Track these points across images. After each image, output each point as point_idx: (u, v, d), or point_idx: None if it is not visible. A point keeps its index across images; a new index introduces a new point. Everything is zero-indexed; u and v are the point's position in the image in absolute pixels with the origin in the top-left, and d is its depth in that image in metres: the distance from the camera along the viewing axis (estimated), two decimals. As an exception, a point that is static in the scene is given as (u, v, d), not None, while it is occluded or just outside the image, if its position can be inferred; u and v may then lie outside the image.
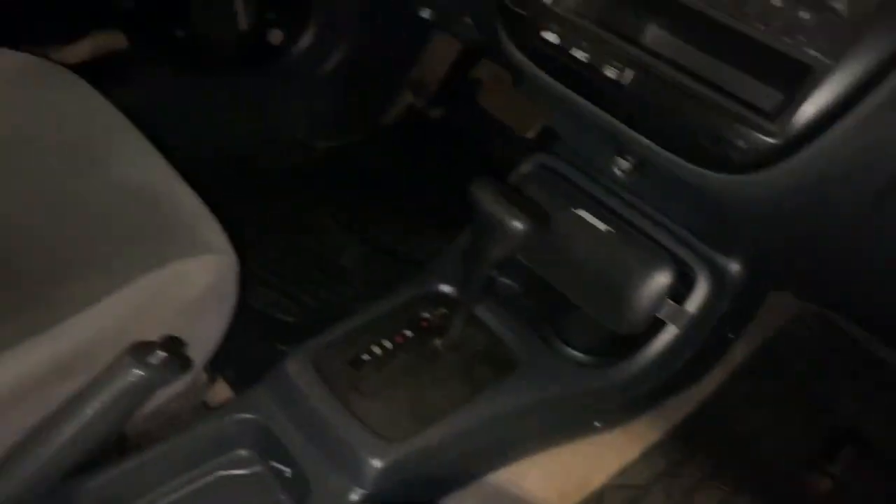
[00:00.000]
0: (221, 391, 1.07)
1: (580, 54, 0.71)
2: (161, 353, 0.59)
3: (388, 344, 0.90)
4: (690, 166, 0.69)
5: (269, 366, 1.22)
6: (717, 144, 0.65)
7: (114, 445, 0.89)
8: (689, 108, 0.66)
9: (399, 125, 1.71)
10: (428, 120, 1.70)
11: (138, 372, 0.58)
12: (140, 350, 0.59)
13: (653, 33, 0.70)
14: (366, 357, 0.89)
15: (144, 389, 0.59)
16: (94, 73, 1.10)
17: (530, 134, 1.51)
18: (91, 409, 0.62)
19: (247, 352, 1.01)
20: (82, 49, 1.29)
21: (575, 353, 0.95)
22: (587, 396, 0.94)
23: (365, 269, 1.41)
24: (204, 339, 0.84)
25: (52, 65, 1.04)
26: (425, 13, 1.05)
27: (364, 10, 1.52)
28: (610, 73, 0.69)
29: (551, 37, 0.72)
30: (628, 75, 0.68)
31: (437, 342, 0.91)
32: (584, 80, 0.72)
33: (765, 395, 1.17)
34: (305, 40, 1.55)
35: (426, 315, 0.94)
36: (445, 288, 0.97)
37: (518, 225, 0.77)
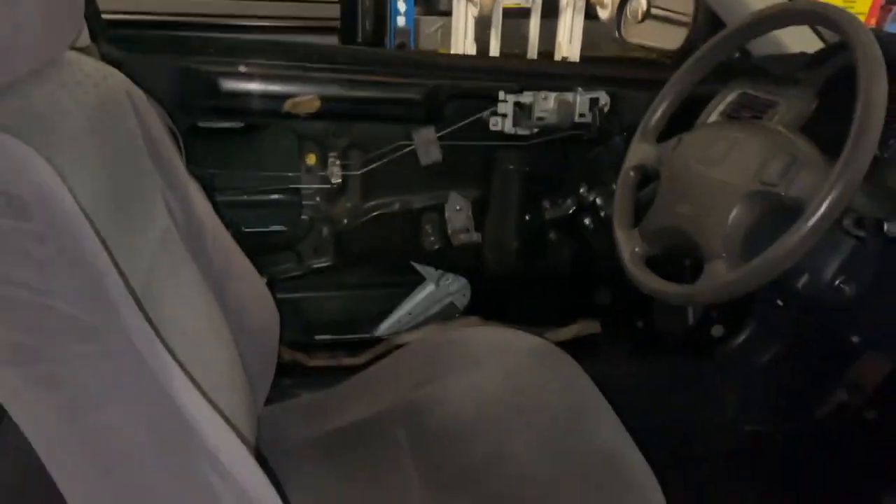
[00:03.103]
0: None
1: None
2: None
3: None
4: None
5: None
6: None
7: None
8: None
9: (830, 420, 1.77)
10: (862, 421, 1.73)
11: None
12: None
13: None
14: None
15: None
16: (575, 349, 1.50)
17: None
18: None
19: None
20: (569, 331, 1.75)
21: None
22: None
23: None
24: None
25: (553, 347, 1.45)
26: (855, 339, 1.20)
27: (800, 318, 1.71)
28: None
29: None
30: None
31: None
32: None
33: None
34: (743, 336, 1.80)
35: None
36: None
37: None
